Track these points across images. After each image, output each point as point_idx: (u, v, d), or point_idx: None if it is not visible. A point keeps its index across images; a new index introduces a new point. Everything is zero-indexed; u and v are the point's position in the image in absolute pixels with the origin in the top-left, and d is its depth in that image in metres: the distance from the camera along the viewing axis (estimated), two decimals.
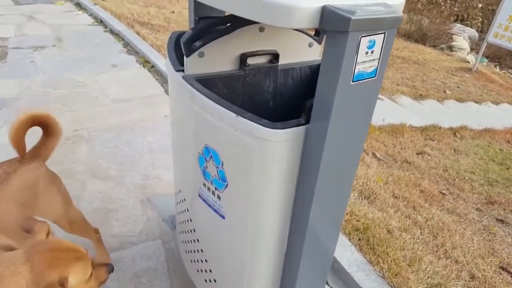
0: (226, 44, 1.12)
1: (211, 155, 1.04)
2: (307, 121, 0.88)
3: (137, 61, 3.93)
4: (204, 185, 1.12)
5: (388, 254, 1.78)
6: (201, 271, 1.33)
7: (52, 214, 1.28)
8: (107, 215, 1.91)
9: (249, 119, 0.89)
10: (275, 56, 1.23)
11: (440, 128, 3.63)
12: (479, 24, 9.67)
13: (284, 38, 1.22)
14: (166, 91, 3.32)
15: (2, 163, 1.21)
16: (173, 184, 1.49)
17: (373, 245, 1.82)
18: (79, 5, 5.73)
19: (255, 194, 0.97)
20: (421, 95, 4.53)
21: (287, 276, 1.13)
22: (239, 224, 1.07)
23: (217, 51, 1.11)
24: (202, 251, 1.30)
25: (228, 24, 1.11)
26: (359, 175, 2.41)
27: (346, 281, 1.68)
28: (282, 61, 1.25)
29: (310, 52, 1.30)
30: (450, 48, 7.58)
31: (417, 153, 3.03)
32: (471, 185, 2.74)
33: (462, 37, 8.08)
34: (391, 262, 1.74)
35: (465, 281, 1.78)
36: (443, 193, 2.53)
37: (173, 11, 5.99)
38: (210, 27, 1.12)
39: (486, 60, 7.55)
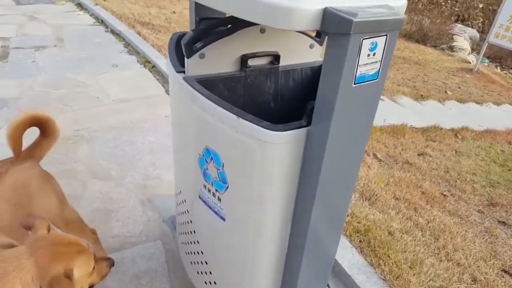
0: (227, 46, 1.11)
1: (211, 157, 1.03)
2: (308, 123, 0.87)
3: (138, 61, 3.93)
4: (205, 186, 1.11)
5: (389, 257, 1.77)
6: (201, 273, 1.33)
7: (48, 213, 1.28)
8: (107, 216, 1.91)
9: (250, 121, 0.88)
10: (276, 58, 1.23)
11: (441, 129, 3.63)
12: (480, 24, 9.67)
13: (285, 39, 1.22)
14: (167, 91, 3.32)
15: None
16: (174, 185, 1.49)
17: (374, 247, 1.81)
18: (80, 5, 5.73)
19: (255, 196, 0.97)
20: (422, 95, 4.52)
21: (287, 278, 1.13)
22: (239, 226, 1.07)
23: (218, 52, 1.11)
24: (202, 253, 1.29)
25: (229, 26, 1.10)
26: (360, 176, 2.40)
27: (347, 284, 1.67)
28: (283, 62, 1.24)
29: (311, 53, 1.30)
30: (451, 48, 7.58)
31: (418, 154, 3.02)
32: (473, 186, 2.73)
33: (463, 37, 8.08)
34: (392, 264, 1.73)
35: (467, 284, 1.77)
36: (445, 195, 2.52)
37: (174, 11, 5.99)
38: (211, 28, 1.12)
39: (487, 61, 7.54)
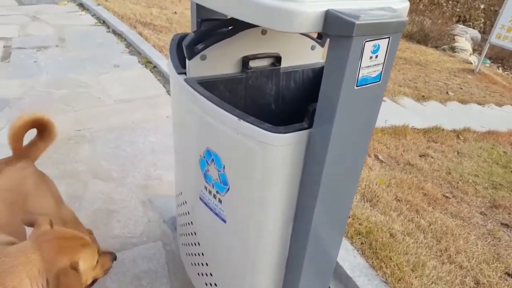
0: (228, 47, 1.11)
1: (212, 158, 1.03)
2: (310, 125, 0.87)
3: (139, 61, 3.94)
4: (206, 188, 1.11)
5: (391, 259, 1.76)
6: (202, 274, 1.32)
7: (44, 213, 1.28)
8: (108, 216, 1.91)
9: (251, 123, 0.88)
10: (277, 59, 1.22)
11: (443, 130, 3.61)
12: (481, 25, 9.64)
13: (286, 41, 1.21)
14: (168, 92, 3.32)
15: None
16: (174, 186, 1.49)
17: (376, 249, 1.81)
18: (82, 6, 5.74)
19: (257, 198, 0.97)
20: (423, 96, 4.51)
21: (289, 280, 1.12)
22: (240, 228, 1.06)
23: (219, 54, 1.11)
24: (202, 254, 1.29)
25: (230, 27, 1.10)
26: (361, 177, 2.40)
27: (348, 286, 1.67)
28: (284, 64, 1.24)
29: (312, 55, 1.29)
30: (452, 49, 7.55)
31: (420, 156, 3.01)
32: (475, 188, 2.72)
33: (464, 38, 8.05)
34: (394, 266, 1.73)
35: (470, 287, 1.76)
36: (447, 197, 2.51)
37: (175, 12, 5.99)
38: (212, 29, 1.12)
39: (488, 61, 7.52)
